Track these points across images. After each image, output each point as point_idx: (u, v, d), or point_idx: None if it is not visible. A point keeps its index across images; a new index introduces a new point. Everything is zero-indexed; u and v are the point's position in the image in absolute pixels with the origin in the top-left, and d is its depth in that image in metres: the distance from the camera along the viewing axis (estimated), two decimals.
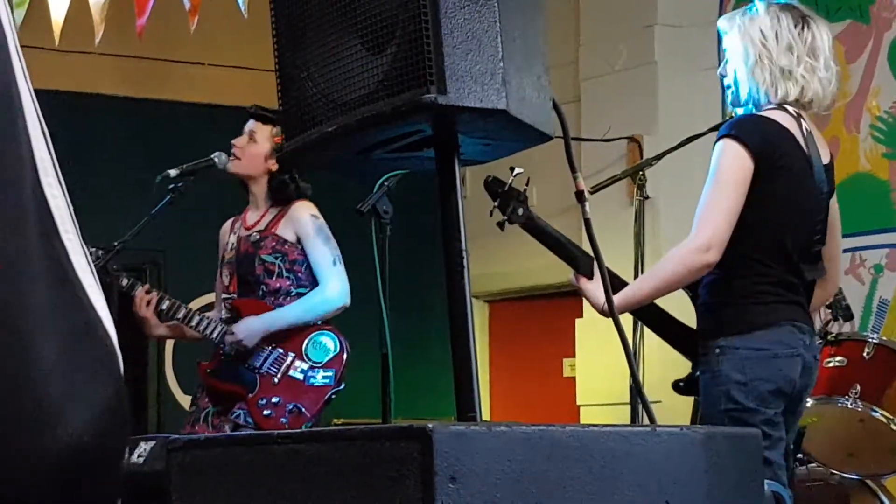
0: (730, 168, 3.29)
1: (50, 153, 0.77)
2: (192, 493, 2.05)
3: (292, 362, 4.65)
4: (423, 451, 1.73)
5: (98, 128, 7.01)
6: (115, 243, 4.73)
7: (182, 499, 2.06)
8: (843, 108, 6.29)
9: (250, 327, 4.62)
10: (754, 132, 3.34)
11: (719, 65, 3.67)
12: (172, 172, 4.81)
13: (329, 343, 4.69)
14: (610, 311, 2.69)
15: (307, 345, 4.66)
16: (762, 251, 3.34)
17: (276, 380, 4.63)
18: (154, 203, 4.88)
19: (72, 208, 0.78)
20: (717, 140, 3.37)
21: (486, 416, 7.24)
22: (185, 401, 7.29)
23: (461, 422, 2.15)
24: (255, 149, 4.73)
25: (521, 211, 3.41)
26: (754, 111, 3.46)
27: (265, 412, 4.59)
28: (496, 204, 3.38)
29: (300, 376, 4.64)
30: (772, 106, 3.43)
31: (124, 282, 4.75)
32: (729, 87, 3.53)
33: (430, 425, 1.75)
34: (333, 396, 4.69)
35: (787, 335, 3.31)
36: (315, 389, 4.64)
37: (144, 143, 7.21)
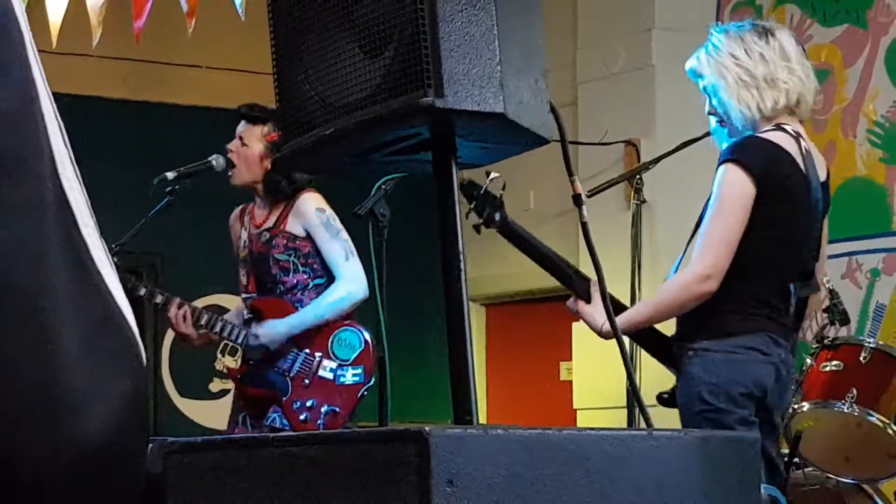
0: (732, 195, 3.36)
1: (66, 147, 0.77)
2: (188, 495, 2.05)
3: (320, 361, 4.64)
4: (419, 454, 1.73)
5: (95, 130, 6.99)
6: (113, 246, 4.71)
7: (179, 502, 2.06)
8: (840, 113, 6.30)
9: (274, 330, 4.62)
10: (757, 156, 3.38)
11: None
12: (170, 175, 4.80)
13: (353, 339, 4.67)
14: (609, 320, 2.75)
15: (332, 343, 4.65)
16: (752, 270, 3.40)
17: (307, 381, 4.62)
18: (151, 205, 4.88)
19: (89, 202, 0.78)
20: (721, 163, 3.41)
21: (482, 419, 7.23)
22: (181, 403, 7.30)
23: (458, 425, 2.15)
24: (247, 152, 4.70)
25: (497, 216, 3.45)
26: (753, 133, 3.47)
27: (301, 416, 4.58)
28: (471, 207, 3.42)
29: (330, 375, 4.62)
30: (770, 126, 3.44)
31: (159, 298, 4.70)
32: (720, 122, 3.53)
33: (427, 428, 1.74)
34: (366, 393, 4.66)
35: (760, 343, 3.40)
36: (346, 388, 4.62)
37: (142, 145, 7.20)
